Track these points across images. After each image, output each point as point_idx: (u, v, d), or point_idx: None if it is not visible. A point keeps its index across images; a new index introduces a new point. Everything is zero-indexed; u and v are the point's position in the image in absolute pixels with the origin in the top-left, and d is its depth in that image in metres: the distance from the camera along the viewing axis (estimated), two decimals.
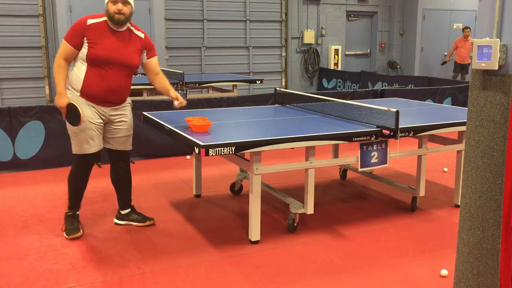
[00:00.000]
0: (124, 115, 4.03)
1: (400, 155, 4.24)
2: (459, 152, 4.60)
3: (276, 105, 5.40)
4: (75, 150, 3.88)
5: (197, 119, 3.99)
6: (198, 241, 3.89)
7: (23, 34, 10.13)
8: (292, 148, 3.82)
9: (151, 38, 4.31)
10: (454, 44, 12.66)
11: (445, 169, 5.98)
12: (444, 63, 13.35)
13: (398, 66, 14.43)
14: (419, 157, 4.46)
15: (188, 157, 6.49)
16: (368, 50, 14.44)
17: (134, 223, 4.20)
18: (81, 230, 3.97)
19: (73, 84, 3.79)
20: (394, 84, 10.64)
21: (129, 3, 3.84)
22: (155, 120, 4.33)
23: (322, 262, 3.54)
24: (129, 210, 4.25)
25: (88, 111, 3.80)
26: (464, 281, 2.47)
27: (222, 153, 3.41)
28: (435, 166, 6.12)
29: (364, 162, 4.05)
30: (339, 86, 12.56)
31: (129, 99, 4.14)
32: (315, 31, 13.21)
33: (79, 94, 3.78)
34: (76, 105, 3.73)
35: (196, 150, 3.41)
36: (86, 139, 3.84)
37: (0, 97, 10.14)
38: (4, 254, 3.64)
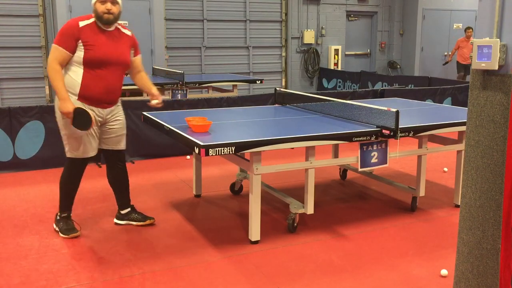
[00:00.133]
0: (118, 114, 4.03)
1: (400, 155, 4.24)
2: (459, 152, 4.60)
3: (276, 105, 5.40)
4: (72, 154, 3.87)
5: (197, 119, 3.99)
6: (198, 241, 3.89)
7: (23, 34, 10.13)
8: (292, 148, 3.82)
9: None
10: (456, 44, 12.63)
11: (445, 169, 5.98)
12: (446, 63, 13.33)
13: (398, 66, 14.43)
14: (419, 157, 4.46)
15: (188, 157, 6.49)
16: (368, 50, 14.44)
17: (134, 223, 4.20)
18: (78, 229, 3.98)
19: (70, 88, 3.74)
20: (394, 84, 10.64)
21: (117, 2, 3.82)
22: (155, 120, 4.33)
23: (322, 262, 3.54)
24: (129, 209, 4.25)
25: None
26: (464, 281, 2.47)
27: (222, 153, 3.41)
28: (435, 166, 6.12)
29: (364, 162, 4.05)
30: (339, 86, 12.56)
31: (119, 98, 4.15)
32: (315, 31, 13.20)
33: (77, 98, 3.76)
34: (83, 108, 3.72)
35: (196, 150, 3.42)
36: (85, 143, 3.84)
37: (0, 97, 10.14)
38: (4, 254, 3.64)
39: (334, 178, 5.65)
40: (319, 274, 3.37)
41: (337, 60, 13.46)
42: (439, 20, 14.43)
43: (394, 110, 3.89)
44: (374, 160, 4.09)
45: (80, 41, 3.70)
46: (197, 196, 4.97)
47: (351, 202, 4.84)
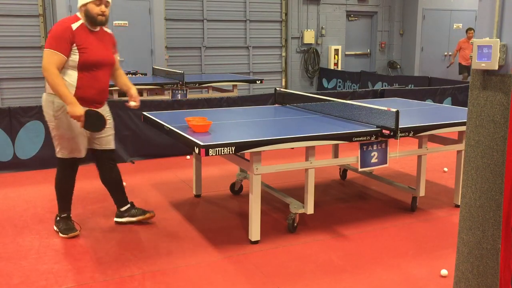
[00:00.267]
0: (107, 113, 4.04)
1: (400, 155, 4.24)
2: (459, 152, 4.60)
3: (276, 105, 5.40)
4: (63, 154, 3.87)
5: (197, 119, 3.99)
6: (198, 241, 3.89)
7: (23, 34, 10.13)
8: (292, 148, 3.82)
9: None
10: (458, 45, 12.57)
11: (445, 169, 5.98)
12: (449, 65, 13.21)
13: (398, 66, 14.43)
14: (419, 157, 4.46)
15: (188, 157, 6.49)
16: (368, 50, 14.44)
17: (135, 218, 4.20)
18: (77, 229, 3.98)
19: None
20: (394, 84, 10.64)
21: (110, 4, 3.85)
22: (155, 120, 4.33)
23: (322, 262, 3.54)
24: (128, 205, 4.25)
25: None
26: (464, 281, 2.47)
27: (222, 153, 3.41)
28: (435, 166, 6.12)
29: (364, 162, 4.05)
30: (339, 86, 12.56)
31: None
32: (315, 31, 13.20)
33: None
34: (94, 109, 3.74)
35: (196, 150, 3.42)
36: (77, 143, 3.86)
37: (0, 97, 10.15)
38: (4, 254, 3.64)
39: (334, 178, 5.65)
40: (319, 274, 3.37)
41: (337, 60, 13.46)
42: (439, 20, 14.43)
43: (394, 110, 3.89)
44: (374, 160, 4.09)
45: (74, 44, 3.69)
46: (197, 196, 4.97)
47: (351, 202, 4.84)
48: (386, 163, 4.17)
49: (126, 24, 10.47)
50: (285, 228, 4.13)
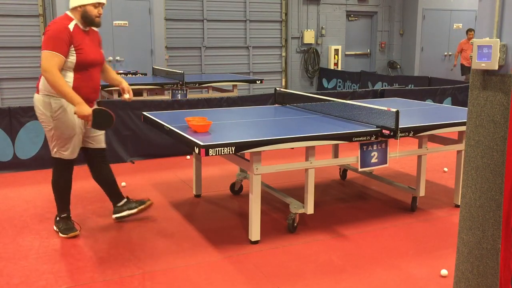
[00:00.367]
0: None
1: (400, 155, 4.24)
2: (459, 152, 4.60)
3: (276, 105, 5.40)
4: (60, 154, 3.87)
5: (197, 119, 3.99)
6: (198, 241, 3.89)
7: (23, 34, 10.13)
8: (292, 148, 3.82)
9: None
10: (459, 46, 12.49)
11: (445, 169, 5.98)
12: (453, 67, 13.09)
13: (398, 66, 14.43)
14: (419, 157, 4.46)
15: (188, 157, 6.49)
16: (368, 50, 14.44)
17: (135, 210, 4.24)
18: (77, 229, 3.99)
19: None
20: (394, 84, 10.64)
21: (104, 5, 3.93)
22: (155, 120, 4.33)
23: (322, 262, 3.54)
24: (125, 200, 4.29)
25: (75, 118, 3.83)
26: (464, 281, 2.47)
27: (222, 153, 3.41)
28: (435, 166, 6.12)
29: (364, 162, 4.05)
30: (339, 86, 12.56)
31: None
32: (315, 31, 13.20)
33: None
34: (101, 107, 3.77)
35: (196, 150, 3.42)
36: (74, 143, 3.88)
37: (0, 97, 10.14)
38: (4, 254, 3.64)
39: (334, 178, 5.65)
40: (319, 274, 3.37)
41: (337, 60, 13.46)
42: (439, 20, 14.43)
43: (394, 110, 3.89)
44: (374, 160, 4.09)
45: (72, 45, 3.70)
46: (197, 196, 4.97)
47: (351, 202, 4.84)
48: (386, 163, 4.17)
49: (126, 24, 10.47)
50: (285, 228, 4.13)
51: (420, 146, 4.46)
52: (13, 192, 5.08)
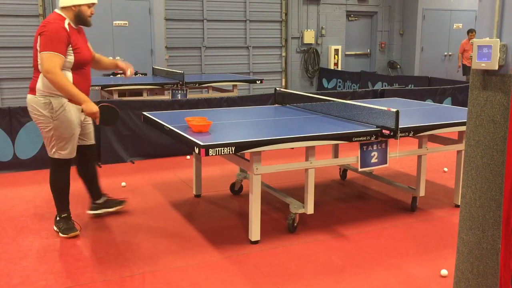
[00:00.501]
0: None
1: (400, 155, 4.24)
2: (459, 152, 4.60)
3: (276, 105, 5.40)
4: (59, 155, 3.88)
5: (197, 119, 3.99)
6: (198, 241, 3.89)
7: (23, 34, 10.12)
8: (292, 148, 3.82)
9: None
10: (461, 47, 12.42)
11: (445, 169, 5.98)
12: (458, 68, 12.98)
13: (398, 66, 14.43)
14: (419, 157, 4.46)
15: (188, 157, 6.49)
16: (368, 50, 14.44)
17: (113, 209, 4.33)
18: (78, 229, 3.99)
19: (58, 92, 3.76)
20: (394, 84, 10.64)
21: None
22: (155, 120, 4.33)
23: (322, 262, 3.54)
24: (105, 198, 4.36)
25: (76, 116, 3.88)
26: (464, 281, 2.47)
27: (222, 153, 3.41)
28: (435, 166, 6.12)
29: (364, 162, 4.05)
30: (339, 86, 12.56)
31: None
32: (315, 31, 13.20)
33: (67, 99, 3.80)
34: (106, 104, 3.84)
35: (196, 150, 3.42)
36: (73, 142, 3.92)
37: (0, 97, 10.14)
38: (4, 254, 3.64)
39: (334, 178, 5.65)
40: (319, 274, 3.37)
41: (337, 60, 13.46)
42: (439, 20, 14.43)
43: (394, 110, 3.89)
44: (374, 160, 4.09)
45: (70, 45, 3.73)
46: (197, 196, 4.97)
47: (351, 202, 4.84)
48: (386, 163, 4.17)
49: (126, 24, 10.47)
50: (285, 228, 4.13)
51: (420, 146, 4.46)
52: (13, 192, 5.08)
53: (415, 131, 4.14)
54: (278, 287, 3.20)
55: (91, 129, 4.14)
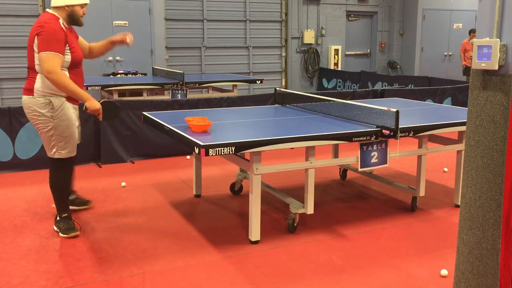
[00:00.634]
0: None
1: (400, 155, 4.24)
2: (459, 152, 4.60)
3: (276, 105, 5.40)
4: (60, 154, 3.90)
5: (197, 119, 3.99)
6: (198, 241, 3.89)
7: (23, 34, 10.10)
8: (292, 148, 3.82)
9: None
10: (462, 46, 12.32)
11: (445, 169, 5.98)
12: (464, 68, 12.84)
13: (398, 66, 14.43)
14: (419, 157, 4.46)
15: (188, 157, 6.49)
16: (368, 50, 14.44)
17: (78, 207, 4.42)
18: (78, 229, 3.99)
19: (57, 91, 3.77)
20: (394, 84, 10.64)
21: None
22: (155, 120, 4.33)
23: (322, 262, 3.54)
24: (75, 196, 4.43)
25: (74, 115, 3.91)
26: (464, 281, 2.47)
27: (222, 153, 3.41)
28: (435, 166, 6.12)
29: (364, 162, 4.05)
30: (339, 86, 12.56)
31: None
32: (315, 31, 13.20)
33: (65, 99, 3.82)
34: (107, 100, 3.90)
35: (196, 150, 3.42)
36: (73, 141, 3.95)
37: (0, 97, 10.14)
38: (4, 254, 3.64)
39: (334, 178, 5.65)
40: (319, 274, 3.37)
41: (337, 60, 13.46)
42: (439, 20, 14.43)
43: (394, 110, 3.89)
44: (374, 160, 4.09)
45: (67, 44, 3.76)
46: (197, 196, 4.97)
47: (351, 202, 4.84)
48: (386, 163, 4.17)
49: (126, 24, 10.46)
50: (285, 228, 4.13)
51: (420, 146, 4.46)
52: (13, 192, 5.08)
53: (415, 131, 4.14)
54: (278, 287, 3.20)
55: (80, 127, 4.17)
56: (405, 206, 4.71)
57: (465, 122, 4.29)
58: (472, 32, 12.21)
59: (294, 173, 5.56)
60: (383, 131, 3.92)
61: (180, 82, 7.86)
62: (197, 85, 8.38)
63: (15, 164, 5.82)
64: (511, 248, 2.14)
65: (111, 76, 9.66)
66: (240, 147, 3.47)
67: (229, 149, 3.42)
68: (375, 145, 4.07)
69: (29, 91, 3.80)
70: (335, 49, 13.40)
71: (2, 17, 9.90)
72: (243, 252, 3.70)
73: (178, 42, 11.63)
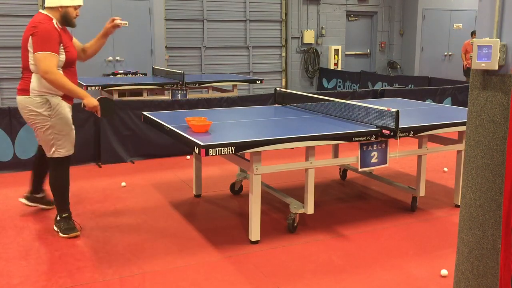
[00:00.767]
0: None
1: (400, 155, 4.24)
2: (459, 152, 4.60)
3: (276, 105, 5.40)
4: (59, 153, 3.91)
5: (197, 119, 3.99)
6: (198, 241, 3.89)
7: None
8: (292, 148, 3.82)
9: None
10: (463, 47, 12.32)
11: (445, 169, 5.98)
12: (467, 68, 12.77)
13: (398, 66, 14.43)
14: (419, 157, 4.46)
15: (188, 157, 6.49)
16: (368, 50, 14.44)
17: (44, 206, 4.46)
18: (78, 229, 3.99)
19: (53, 90, 3.79)
20: (394, 84, 10.64)
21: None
22: (155, 120, 4.33)
23: (322, 262, 3.54)
24: (43, 194, 4.45)
25: (69, 114, 3.94)
26: (464, 281, 2.47)
27: (222, 153, 3.41)
28: (435, 166, 6.12)
29: (364, 162, 4.05)
30: (339, 86, 12.56)
31: None
32: (315, 31, 13.20)
33: (61, 97, 3.85)
34: (103, 96, 3.93)
35: (196, 150, 3.42)
36: (72, 139, 3.98)
37: (0, 97, 10.14)
38: (4, 254, 3.64)
39: (334, 178, 5.65)
40: (319, 274, 3.37)
41: (337, 60, 13.46)
42: (439, 20, 14.43)
43: (394, 110, 3.89)
44: (374, 160, 4.09)
45: (61, 44, 3.78)
46: (197, 196, 4.97)
47: (351, 202, 4.84)
48: (386, 163, 4.17)
49: (126, 24, 10.45)
50: (285, 228, 4.13)
51: (420, 146, 4.46)
52: (13, 192, 5.08)
53: (415, 131, 4.14)
54: (278, 287, 3.20)
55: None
56: (405, 206, 4.71)
57: (465, 122, 4.29)
58: (474, 33, 12.17)
59: (294, 173, 5.56)
60: (383, 131, 3.92)
61: (180, 82, 7.87)
62: (197, 85, 8.38)
63: (15, 164, 5.82)
64: (511, 248, 2.14)
65: (111, 76, 9.66)
66: (240, 147, 3.47)
67: (229, 149, 3.42)
68: (375, 145, 4.07)
69: (25, 91, 3.82)
70: (335, 49, 13.40)
71: (2, 17, 9.89)
72: (243, 252, 3.70)
73: (178, 42, 11.63)
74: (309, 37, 13.05)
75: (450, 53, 14.66)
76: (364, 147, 4.02)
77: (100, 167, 6.03)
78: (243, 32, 12.37)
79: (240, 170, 5.03)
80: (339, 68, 13.42)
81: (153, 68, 9.68)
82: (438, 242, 3.90)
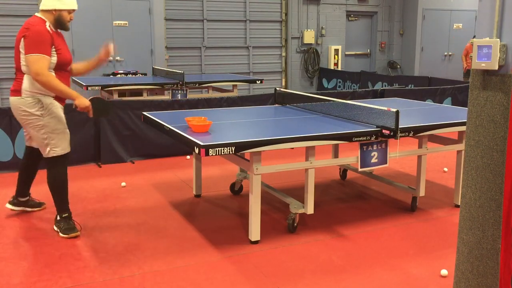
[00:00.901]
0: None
1: (400, 155, 4.24)
2: (459, 152, 4.60)
3: (276, 105, 5.40)
4: (55, 152, 3.92)
5: (197, 119, 3.99)
6: (198, 241, 3.89)
7: None
8: (292, 148, 3.82)
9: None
10: (465, 50, 12.33)
11: (445, 169, 5.98)
12: (466, 70, 12.74)
13: (398, 66, 14.43)
14: (419, 157, 4.46)
15: (188, 157, 6.49)
16: (368, 50, 14.44)
17: (30, 209, 4.45)
18: (78, 229, 3.99)
19: (45, 91, 3.82)
20: (394, 84, 10.64)
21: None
22: (155, 120, 4.33)
23: (322, 262, 3.54)
24: (28, 197, 4.46)
25: (62, 113, 3.96)
26: (464, 281, 2.47)
27: (222, 153, 3.41)
28: (435, 166, 6.12)
29: (364, 162, 4.05)
30: (339, 86, 12.56)
31: None
32: (315, 31, 13.20)
33: (53, 98, 3.88)
34: (96, 97, 3.94)
35: (196, 150, 3.42)
36: (67, 138, 4.00)
37: (0, 97, 10.14)
38: (4, 254, 3.64)
39: (334, 178, 5.65)
40: (319, 274, 3.37)
41: (337, 60, 13.45)
42: (439, 20, 14.43)
43: (394, 110, 3.89)
44: (374, 160, 4.09)
45: (53, 46, 3.81)
46: (197, 196, 4.97)
47: (351, 202, 4.84)
48: (386, 163, 4.17)
49: (126, 24, 10.46)
50: (285, 228, 4.13)
51: (420, 146, 4.46)
52: (13, 192, 5.07)
53: (415, 131, 4.14)
54: (278, 287, 3.20)
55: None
56: (405, 206, 4.71)
57: (465, 122, 4.29)
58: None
59: (294, 173, 5.56)
60: (383, 131, 3.92)
61: (180, 82, 7.86)
62: (197, 85, 8.38)
63: (15, 164, 5.80)
64: (511, 248, 2.14)
65: (111, 76, 9.66)
66: (240, 147, 3.47)
67: (229, 149, 3.42)
68: (375, 145, 4.07)
69: (17, 92, 3.89)
70: (335, 49, 13.40)
71: (2, 17, 9.89)
72: (243, 252, 3.70)
73: (178, 42, 11.63)
74: (309, 37, 13.05)
75: (450, 53, 14.66)
76: (364, 147, 4.02)
77: (100, 167, 6.03)
78: (243, 32, 12.37)
79: (240, 170, 5.03)
80: (339, 68, 13.42)
81: (153, 68, 9.68)
82: (438, 242, 3.90)
